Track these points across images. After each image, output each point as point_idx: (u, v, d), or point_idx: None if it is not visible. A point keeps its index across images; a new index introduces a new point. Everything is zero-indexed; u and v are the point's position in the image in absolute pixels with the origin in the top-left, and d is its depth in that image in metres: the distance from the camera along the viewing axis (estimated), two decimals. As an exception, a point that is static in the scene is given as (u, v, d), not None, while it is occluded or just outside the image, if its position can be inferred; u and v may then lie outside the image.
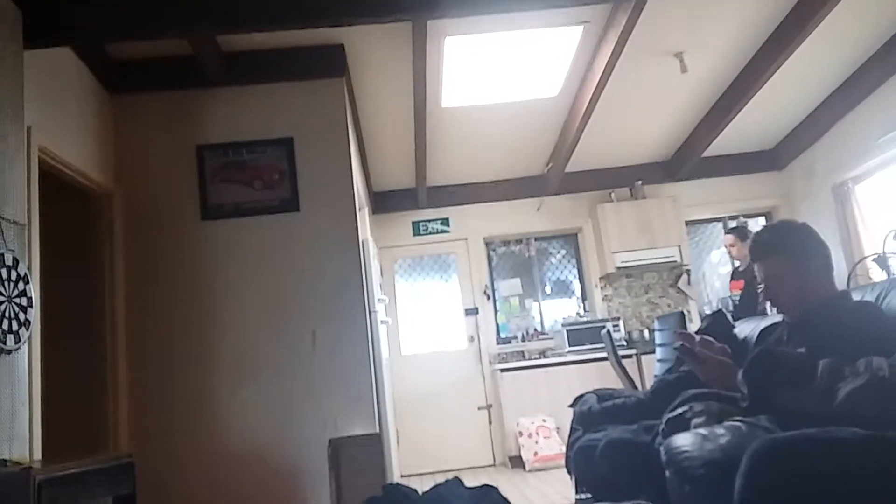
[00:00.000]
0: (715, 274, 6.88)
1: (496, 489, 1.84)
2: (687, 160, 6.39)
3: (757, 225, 6.63)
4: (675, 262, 6.36)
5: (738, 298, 4.90)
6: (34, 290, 2.70)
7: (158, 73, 4.02)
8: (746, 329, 2.65)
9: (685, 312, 4.39)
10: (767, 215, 6.80)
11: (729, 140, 6.11)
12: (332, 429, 3.69)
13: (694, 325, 4.93)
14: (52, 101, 3.27)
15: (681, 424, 1.76)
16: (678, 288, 6.58)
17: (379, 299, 4.25)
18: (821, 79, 5.42)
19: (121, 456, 2.57)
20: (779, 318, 2.30)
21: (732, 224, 5.36)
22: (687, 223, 6.58)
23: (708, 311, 6.02)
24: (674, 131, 6.09)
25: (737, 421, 1.62)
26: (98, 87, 3.82)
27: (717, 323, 2.65)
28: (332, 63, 4.14)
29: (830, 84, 5.52)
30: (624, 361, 5.01)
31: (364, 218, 5.07)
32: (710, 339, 2.15)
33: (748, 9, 4.36)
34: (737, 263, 5.30)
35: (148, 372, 3.74)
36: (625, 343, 6.10)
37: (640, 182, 6.55)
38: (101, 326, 3.67)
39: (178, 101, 4.04)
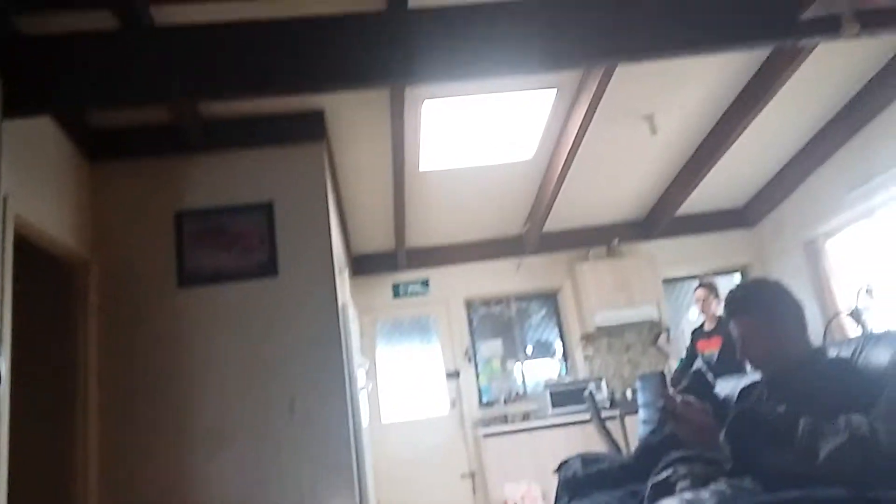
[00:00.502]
0: (689, 328, 6.90)
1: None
2: (661, 219, 6.52)
3: (730, 282, 6.72)
4: (654, 320, 6.39)
5: (711, 357, 4.76)
6: (4, 363, 2.63)
7: (138, 141, 4.05)
8: (727, 388, 2.64)
9: (665, 373, 4.38)
10: (741, 272, 6.91)
11: (701, 198, 6.26)
12: (311, 499, 3.57)
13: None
14: (30, 169, 3.27)
15: (666, 489, 1.73)
16: (658, 347, 6.59)
17: (359, 365, 4.19)
18: (787, 138, 5.62)
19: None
20: (758, 376, 2.31)
21: (704, 280, 5.32)
22: (664, 281, 6.66)
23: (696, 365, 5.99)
24: (647, 190, 6.23)
25: (721, 484, 1.60)
26: (76, 155, 3.83)
27: (696, 383, 2.64)
28: (312, 128, 4.20)
29: (797, 142, 5.71)
30: (607, 423, 4.96)
31: (344, 281, 5.06)
32: (691, 399, 2.14)
33: (715, 72, 4.54)
34: (701, 319, 5.03)
35: (120, 442, 3.61)
36: (608, 404, 6.05)
37: (616, 240, 6.64)
38: (73, 399, 3.57)
39: (158, 167, 4.06)
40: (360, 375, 4.20)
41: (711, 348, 4.77)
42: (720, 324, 4.68)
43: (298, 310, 3.87)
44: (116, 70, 3.04)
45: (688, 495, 1.59)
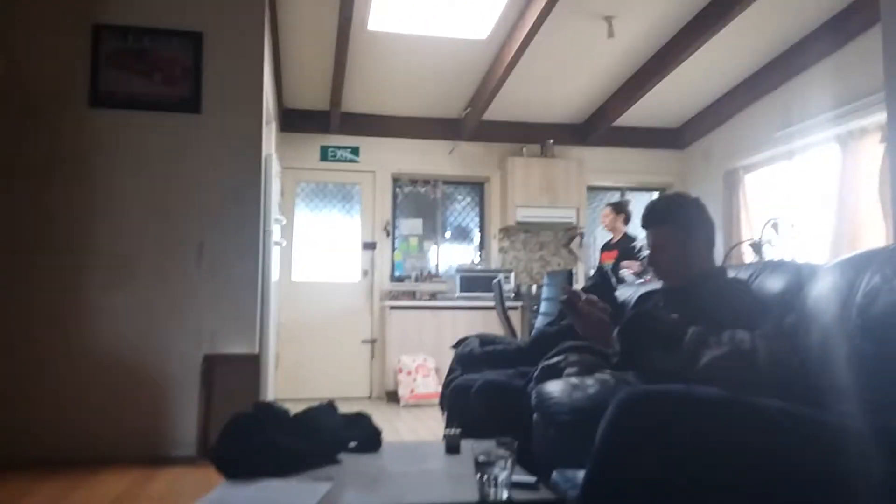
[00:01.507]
0: (605, 239, 7.16)
1: (368, 417, 1.86)
2: (597, 126, 6.55)
3: (649, 198, 6.96)
4: (572, 223, 6.58)
5: (610, 268, 5.15)
6: None
7: None
8: (626, 293, 2.78)
9: (573, 272, 4.57)
10: (662, 190, 7.13)
11: (640, 113, 6.29)
12: (209, 345, 3.58)
13: (580, 285, 5.15)
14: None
15: (554, 373, 1.83)
16: (570, 249, 6.82)
17: (276, 219, 4.12)
18: (731, 68, 5.66)
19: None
20: (657, 284, 2.42)
21: (613, 202, 5.91)
22: (588, 188, 6.79)
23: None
24: (590, 96, 6.20)
25: (606, 374, 1.71)
26: (-21, -63, 3.37)
27: (600, 283, 2.76)
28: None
29: (738, 75, 5.77)
30: (510, 312, 5.18)
31: (270, 133, 4.85)
32: (594, 297, 2.23)
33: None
34: (609, 235, 5.70)
35: (10, 265, 3.45)
36: (513, 295, 6.29)
37: (551, 141, 6.65)
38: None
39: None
40: (276, 231, 4.13)
41: (609, 260, 5.34)
42: (622, 240, 5.44)
43: (219, 153, 3.69)
44: None
45: (573, 380, 1.68)
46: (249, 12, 3.83)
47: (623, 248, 5.36)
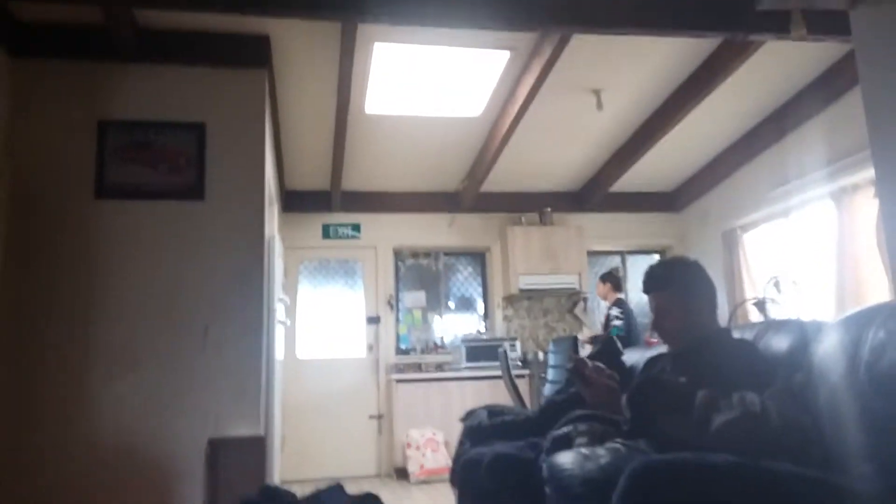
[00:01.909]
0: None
1: (377, 498, 1.82)
2: (594, 193, 6.66)
3: (649, 261, 7.03)
4: (575, 288, 6.59)
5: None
6: None
7: (67, 40, 3.74)
8: (633, 357, 2.77)
9: (578, 338, 4.56)
10: (662, 253, 7.18)
11: (634, 178, 6.41)
12: (213, 428, 3.53)
13: (586, 351, 5.12)
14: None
15: (565, 443, 1.81)
16: (574, 314, 6.81)
17: (279, 299, 4.14)
18: (721, 131, 5.81)
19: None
20: (664, 348, 2.42)
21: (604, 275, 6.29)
22: (589, 253, 6.84)
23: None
24: (585, 164, 6.34)
25: (617, 443, 1.69)
26: (-4, 46, 3.53)
27: (607, 349, 2.76)
28: (255, 53, 4.01)
29: (729, 137, 5.92)
30: (517, 381, 5.13)
31: (273, 214, 4.94)
32: (601, 365, 2.23)
33: (665, 55, 4.61)
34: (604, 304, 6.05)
35: (19, 356, 3.44)
36: (520, 363, 6.23)
37: (549, 209, 6.75)
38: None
39: (85, 72, 3.77)
40: (280, 310, 4.15)
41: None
42: (615, 304, 5.78)
43: (222, 237, 3.75)
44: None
45: (584, 450, 1.66)
46: (250, 103, 3.96)
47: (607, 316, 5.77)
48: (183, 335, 3.61)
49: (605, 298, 5.97)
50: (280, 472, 4.59)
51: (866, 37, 2.66)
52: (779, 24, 3.05)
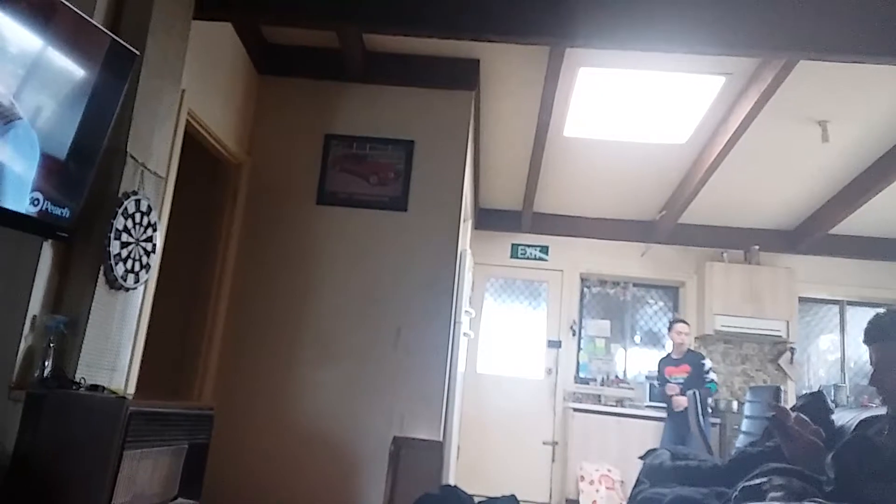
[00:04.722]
0: (821, 359, 6.44)
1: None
2: (811, 233, 6.05)
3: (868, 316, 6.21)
4: (781, 337, 6.01)
5: (680, 381, 5.29)
6: (159, 238, 2.93)
7: (305, 61, 4.27)
8: (845, 417, 2.47)
9: (781, 389, 4.15)
10: (889, 306, 6.28)
11: (861, 221, 5.72)
12: (398, 427, 3.75)
13: (790, 404, 4.64)
14: (207, 70, 3.55)
15: (756, 495, 1.66)
16: (778, 365, 6.21)
17: (466, 311, 4.28)
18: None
19: (204, 406, 2.71)
20: (881, 411, 2.13)
21: (680, 317, 5.88)
22: (800, 299, 6.21)
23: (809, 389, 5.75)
24: (802, 200, 5.78)
25: (816, 502, 1.52)
26: (249, 65, 4.11)
27: (814, 403, 2.48)
28: (465, 75, 4.24)
29: None
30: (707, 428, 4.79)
31: (466, 230, 5.14)
32: (805, 418, 2.02)
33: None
34: (669, 350, 5.66)
35: (241, 335, 3.95)
36: (710, 410, 5.80)
37: (756, 247, 6.25)
38: (209, 284, 3.92)
39: (317, 89, 4.26)
40: (465, 321, 4.29)
41: (682, 373, 5.35)
42: (687, 354, 5.45)
43: (420, 247, 4.00)
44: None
45: (779, 505, 1.52)
46: (456, 123, 4.20)
47: (694, 363, 5.35)
48: (379, 334, 3.90)
49: (680, 343, 5.47)
50: (455, 478, 4.71)
51: None
52: None
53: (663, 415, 5.65)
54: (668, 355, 5.62)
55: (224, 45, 3.78)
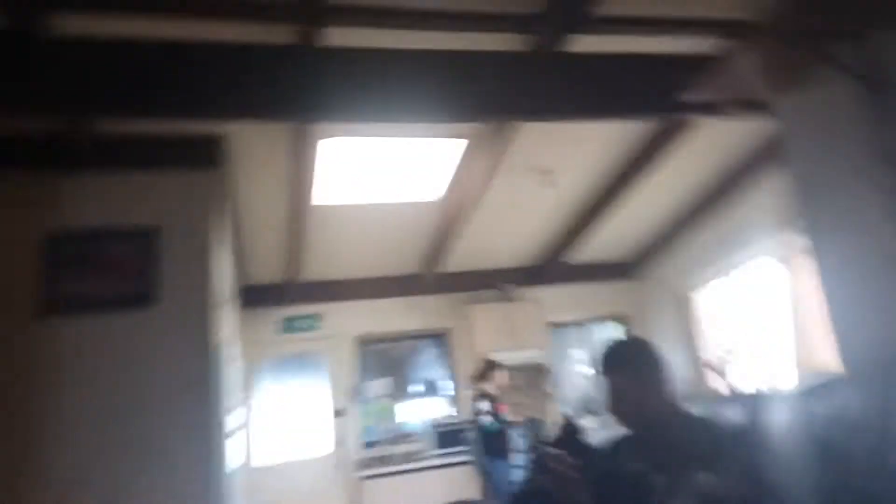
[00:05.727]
0: (574, 372, 7.15)
1: None
2: (551, 267, 6.78)
3: (605, 329, 7.20)
4: (540, 362, 6.58)
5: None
6: None
7: (15, 151, 3.71)
8: (600, 436, 2.75)
9: (540, 421, 4.46)
10: (621, 320, 7.26)
11: (590, 250, 6.56)
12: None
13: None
14: None
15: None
16: (542, 390, 6.77)
17: (229, 410, 3.94)
18: (672, 200, 6.00)
19: None
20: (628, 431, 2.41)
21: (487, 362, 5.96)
22: (550, 325, 6.88)
23: (566, 410, 6.41)
24: (541, 239, 6.46)
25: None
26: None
27: (568, 432, 2.74)
28: (209, 154, 3.95)
29: (680, 204, 6.10)
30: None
31: (228, 316, 4.82)
32: (561, 453, 2.21)
33: (608, 138, 4.82)
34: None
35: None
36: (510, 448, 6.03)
37: (506, 284, 6.79)
38: None
39: (35, 182, 3.70)
40: (233, 419, 3.96)
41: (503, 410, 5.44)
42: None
43: (168, 347, 3.57)
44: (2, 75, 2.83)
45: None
46: (200, 204, 3.89)
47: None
48: (127, 452, 3.38)
49: (499, 385, 5.62)
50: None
51: (790, 120, 2.86)
52: (706, 107, 3.22)
53: (453, 459, 5.79)
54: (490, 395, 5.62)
55: None
